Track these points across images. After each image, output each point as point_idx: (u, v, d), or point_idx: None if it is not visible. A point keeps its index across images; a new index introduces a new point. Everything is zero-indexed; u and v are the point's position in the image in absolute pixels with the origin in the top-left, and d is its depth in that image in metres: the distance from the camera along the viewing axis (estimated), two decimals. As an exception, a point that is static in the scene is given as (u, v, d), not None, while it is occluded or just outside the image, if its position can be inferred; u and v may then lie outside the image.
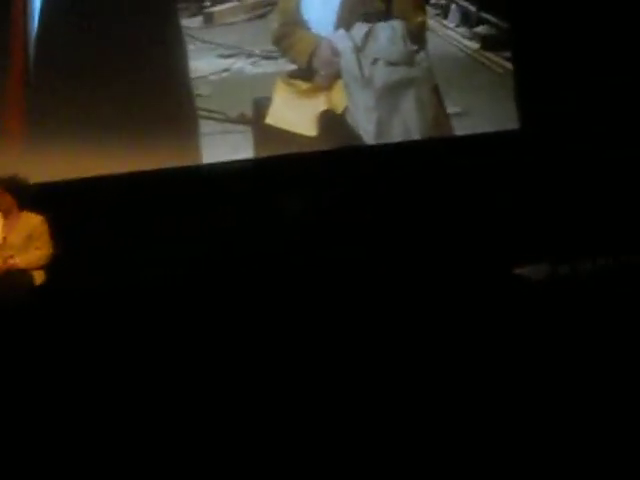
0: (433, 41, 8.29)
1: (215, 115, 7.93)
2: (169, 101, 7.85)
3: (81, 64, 7.68)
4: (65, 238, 6.39)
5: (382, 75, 8.40)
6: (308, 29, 8.30)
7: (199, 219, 7.45)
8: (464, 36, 8.27)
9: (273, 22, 8.28)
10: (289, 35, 8.28)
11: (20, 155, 7.58)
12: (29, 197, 6.33)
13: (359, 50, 8.37)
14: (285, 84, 8.29)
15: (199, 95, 7.88)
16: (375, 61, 8.42)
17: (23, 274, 6.20)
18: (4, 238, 6.29)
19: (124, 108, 7.68)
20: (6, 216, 6.34)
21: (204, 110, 7.92)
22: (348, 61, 8.38)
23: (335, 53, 8.37)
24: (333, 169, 7.86)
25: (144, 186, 7.46)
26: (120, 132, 7.63)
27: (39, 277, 6.24)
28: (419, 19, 8.36)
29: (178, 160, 7.74)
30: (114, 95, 7.68)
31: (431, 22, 8.31)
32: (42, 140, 7.58)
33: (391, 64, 8.43)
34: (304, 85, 8.33)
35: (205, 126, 7.92)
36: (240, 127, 8.00)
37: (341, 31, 8.37)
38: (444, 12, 8.30)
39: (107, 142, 7.58)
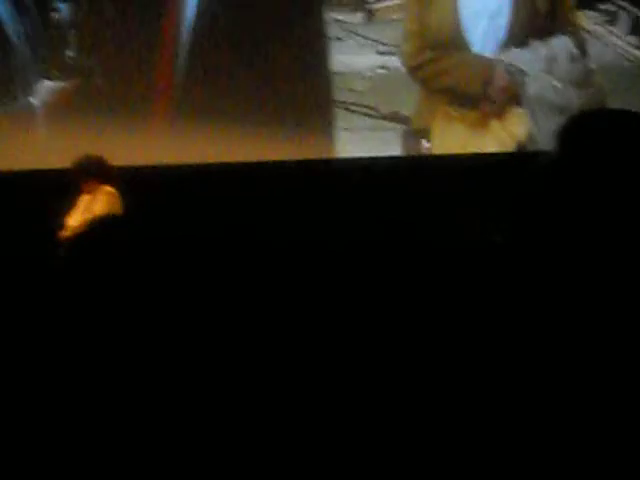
0: (597, 49, 7.60)
1: (367, 110, 7.76)
2: (307, 90, 7.66)
3: (227, 50, 7.69)
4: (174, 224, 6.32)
5: (575, 99, 7.41)
6: (467, 50, 7.55)
7: (341, 212, 7.21)
8: (632, 45, 7.62)
9: (405, 44, 7.63)
10: (438, 60, 7.60)
11: (161, 136, 7.61)
12: (115, 180, 6.01)
13: (549, 72, 7.48)
14: (448, 116, 7.56)
15: (353, 90, 7.74)
16: (565, 84, 7.47)
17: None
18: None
19: (266, 94, 7.62)
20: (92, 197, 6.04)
21: (356, 105, 7.75)
22: (540, 85, 7.45)
23: (513, 77, 7.47)
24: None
25: (287, 176, 7.32)
26: (260, 120, 7.55)
27: None
28: (581, 32, 7.61)
29: (311, 152, 7.55)
30: (255, 80, 7.62)
31: (597, 29, 7.63)
32: (185, 123, 7.59)
33: (577, 85, 7.51)
34: (471, 114, 7.51)
35: (356, 120, 7.73)
36: (391, 124, 7.70)
37: (518, 51, 7.49)
38: (612, 19, 7.61)
39: (245, 129, 7.51)
